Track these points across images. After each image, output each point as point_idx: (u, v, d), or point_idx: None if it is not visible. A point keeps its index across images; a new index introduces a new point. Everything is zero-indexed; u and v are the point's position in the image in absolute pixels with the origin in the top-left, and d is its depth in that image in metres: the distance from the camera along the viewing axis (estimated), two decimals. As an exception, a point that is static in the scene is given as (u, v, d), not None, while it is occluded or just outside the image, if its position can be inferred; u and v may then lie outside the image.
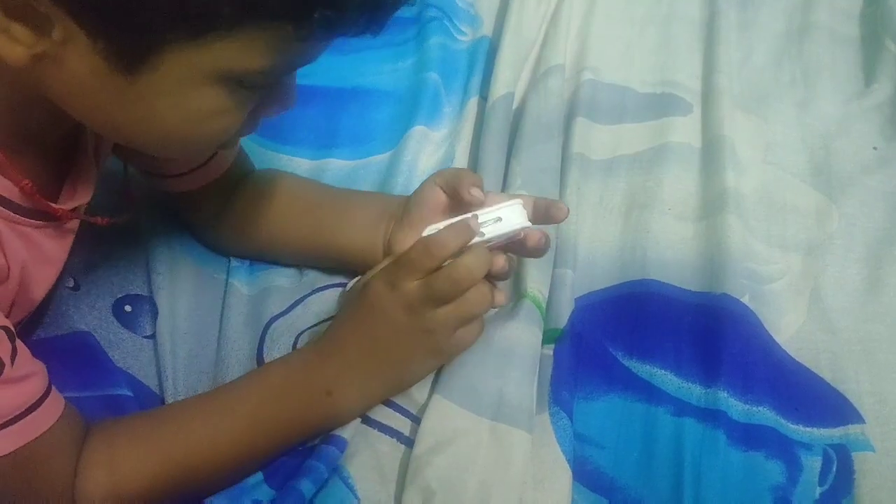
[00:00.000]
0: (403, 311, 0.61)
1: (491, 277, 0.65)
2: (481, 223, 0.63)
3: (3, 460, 0.52)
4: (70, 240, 0.65)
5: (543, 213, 0.67)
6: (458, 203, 0.67)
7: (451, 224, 0.63)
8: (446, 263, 0.61)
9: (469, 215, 0.63)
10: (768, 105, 0.97)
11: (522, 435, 0.62)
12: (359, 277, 0.75)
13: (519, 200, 0.65)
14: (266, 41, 0.47)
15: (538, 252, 0.68)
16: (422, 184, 0.72)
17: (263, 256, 0.80)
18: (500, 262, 0.65)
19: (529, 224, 0.65)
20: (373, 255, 0.73)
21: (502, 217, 0.64)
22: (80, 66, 0.47)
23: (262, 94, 0.55)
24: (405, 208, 0.71)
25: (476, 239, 0.63)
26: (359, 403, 0.65)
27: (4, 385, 0.51)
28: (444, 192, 0.69)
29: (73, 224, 0.64)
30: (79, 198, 0.62)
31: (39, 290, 0.63)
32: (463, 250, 0.62)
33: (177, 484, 0.60)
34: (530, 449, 0.63)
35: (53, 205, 0.58)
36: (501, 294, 0.66)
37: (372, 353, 0.63)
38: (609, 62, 1.01)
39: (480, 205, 0.65)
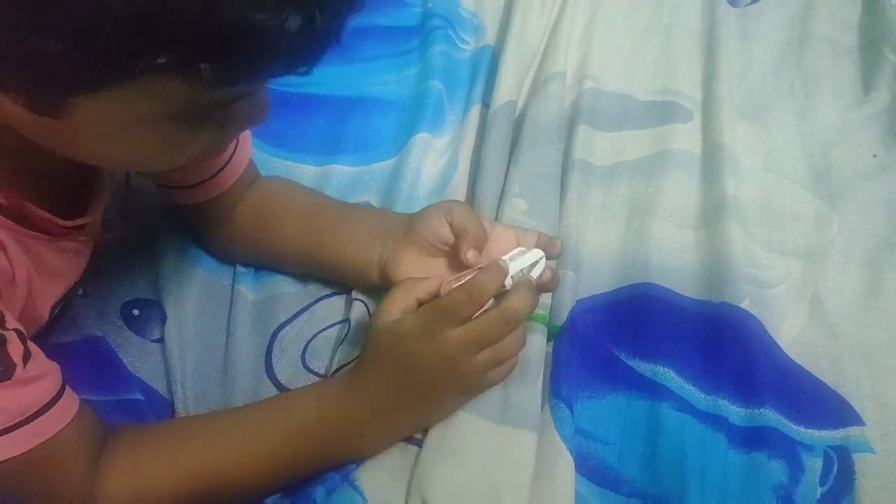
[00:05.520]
0: (442, 359, 0.61)
1: None
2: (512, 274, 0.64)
3: (19, 460, 0.52)
4: (82, 257, 0.66)
5: (542, 247, 0.69)
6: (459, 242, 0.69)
7: (484, 268, 0.62)
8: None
9: (500, 260, 0.64)
10: (768, 113, 0.97)
11: (529, 436, 0.63)
12: (358, 297, 0.76)
13: (541, 253, 0.67)
14: (166, 89, 0.45)
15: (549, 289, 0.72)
16: (429, 210, 0.72)
17: (266, 265, 0.81)
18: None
19: (545, 271, 0.68)
20: (365, 271, 0.74)
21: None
22: (9, 106, 0.47)
23: (216, 119, 0.52)
24: (407, 228, 0.72)
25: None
26: (386, 442, 0.65)
27: (17, 386, 0.52)
28: (452, 230, 0.70)
29: (85, 241, 0.65)
30: (91, 214, 0.63)
31: (45, 305, 0.63)
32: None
33: (196, 500, 0.61)
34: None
35: (59, 220, 0.59)
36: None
37: (404, 398, 0.63)
38: (611, 71, 1.02)
39: (474, 267, 0.66)
